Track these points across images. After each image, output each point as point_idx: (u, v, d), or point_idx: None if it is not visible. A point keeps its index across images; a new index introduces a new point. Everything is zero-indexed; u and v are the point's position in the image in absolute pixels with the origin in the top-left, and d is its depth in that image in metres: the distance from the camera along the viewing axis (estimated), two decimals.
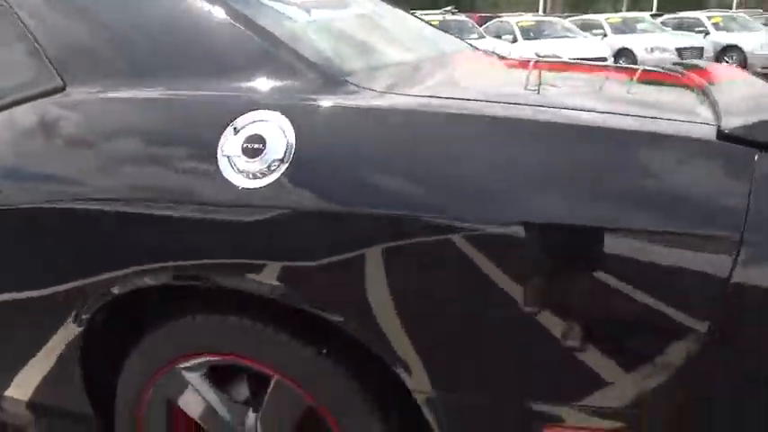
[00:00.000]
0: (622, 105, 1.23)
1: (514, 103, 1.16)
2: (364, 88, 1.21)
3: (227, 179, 1.12)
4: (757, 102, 1.22)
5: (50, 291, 1.31)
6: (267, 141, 1.11)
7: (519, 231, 1.00)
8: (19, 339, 1.46)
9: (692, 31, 14.23)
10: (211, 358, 1.29)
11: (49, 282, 1.30)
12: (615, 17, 15.71)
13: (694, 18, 15.12)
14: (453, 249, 1.04)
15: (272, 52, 1.20)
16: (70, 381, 1.43)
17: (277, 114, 1.12)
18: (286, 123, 1.11)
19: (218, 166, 1.13)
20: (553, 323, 1.04)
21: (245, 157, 1.11)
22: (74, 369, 1.40)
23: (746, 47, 12.71)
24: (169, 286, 1.23)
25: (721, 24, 14.40)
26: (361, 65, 1.36)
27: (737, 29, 14.07)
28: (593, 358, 1.04)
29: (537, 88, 1.40)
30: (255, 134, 1.11)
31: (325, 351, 1.21)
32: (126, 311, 1.40)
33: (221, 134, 1.14)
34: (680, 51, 12.23)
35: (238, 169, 1.12)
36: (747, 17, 15.41)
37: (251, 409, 1.36)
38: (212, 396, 1.35)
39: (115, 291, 1.24)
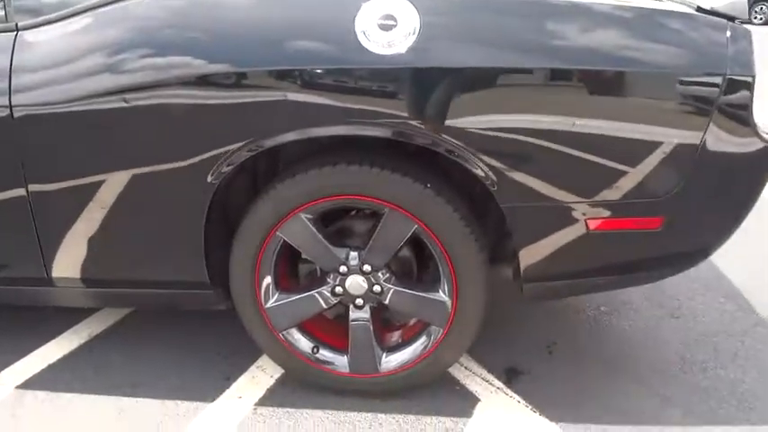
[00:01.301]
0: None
1: None
2: None
3: (364, 47, 1.46)
4: None
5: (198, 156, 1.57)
6: (398, 19, 1.46)
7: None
8: (140, 218, 1.70)
9: None
10: (337, 200, 1.63)
11: (198, 146, 1.56)
12: None
13: None
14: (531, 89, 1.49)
15: None
16: (193, 253, 1.70)
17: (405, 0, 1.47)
18: (410, 6, 1.47)
19: (356, 38, 1.46)
20: (593, 143, 1.53)
21: (380, 31, 1.46)
22: (197, 239, 1.68)
23: None
24: (312, 140, 1.55)
25: None
26: None
27: None
28: (616, 168, 1.54)
29: None
30: (388, 14, 1.46)
31: (428, 185, 1.61)
32: (254, 170, 1.71)
33: (357, 14, 1.47)
34: None
35: (374, 41, 1.46)
36: None
37: (349, 249, 1.74)
38: (325, 238, 1.70)
39: (262, 146, 1.54)
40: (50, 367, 2.01)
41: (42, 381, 1.95)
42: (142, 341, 2.14)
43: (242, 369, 1.99)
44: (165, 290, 1.84)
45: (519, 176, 1.54)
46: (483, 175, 1.55)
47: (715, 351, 2.07)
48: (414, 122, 1.50)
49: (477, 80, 1.49)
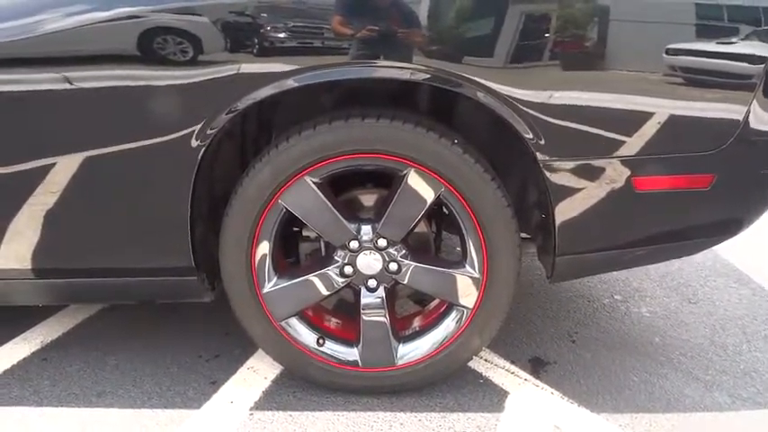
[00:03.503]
0: None
1: None
2: None
3: None
4: None
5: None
6: None
7: None
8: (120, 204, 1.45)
9: None
10: (348, 160, 1.40)
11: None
12: None
13: None
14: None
15: None
16: (176, 233, 1.45)
17: None
18: None
19: None
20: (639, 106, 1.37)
21: None
22: (182, 215, 1.42)
23: None
24: (331, 86, 1.35)
25: None
26: None
27: None
28: (666, 118, 1.38)
29: None
30: None
31: (456, 141, 1.41)
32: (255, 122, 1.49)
33: None
34: None
35: None
36: None
37: (361, 222, 1.51)
38: (335, 207, 1.47)
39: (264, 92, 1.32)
40: None
41: None
42: (104, 347, 1.82)
43: (229, 372, 1.70)
44: (139, 278, 1.55)
45: (565, 131, 1.36)
46: (525, 130, 1.36)
47: (744, 334, 1.93)
48: (452, 68, 1.31)
49: (525, 21, 1.31)
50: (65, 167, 1.40)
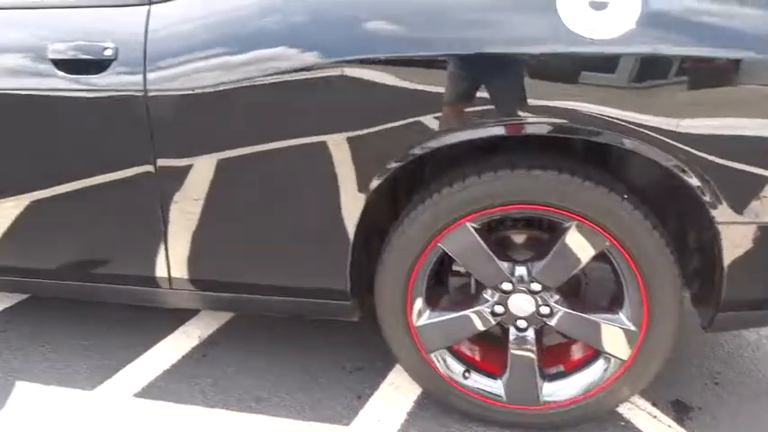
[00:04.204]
0: None
1: None
2: None
3: (571, 31, 1.23)
4: None
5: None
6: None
7: None
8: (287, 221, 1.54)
9: None
10: (512, 210, 1.41)
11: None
12: None
13: None
14: None
15: None
16: (337, 259, 1.53)
17: None
18: None
19: (560, 20, 1.23)
20: None
21: (592, 10, 1.22)
22: (345, 243, 1.49)
23: None
24: (492, 139, 1.35)
25: None
26: None
27: None
28: None
29: None
30: None
31: (626, 197, 1.37)
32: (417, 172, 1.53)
33: None
34: None
35: (583, 24, 1.22)
36: None
37: (514, 263, 1.51)
38: (492, 250, 1.48)
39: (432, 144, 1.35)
40: (166, 374, 1.86)
41: (161, 391, 1.79)
42: (253, 347, 1.97)
43: (372, 387, 1.80)
44: (295, 297, 1.66)
45: (746, 190, 1.30)
46: (698, 185, 1.31)
47: None
48: (625, 122, 1.27)
49: (706, 72, 1.25)
50: (233, 179, 1.50)
